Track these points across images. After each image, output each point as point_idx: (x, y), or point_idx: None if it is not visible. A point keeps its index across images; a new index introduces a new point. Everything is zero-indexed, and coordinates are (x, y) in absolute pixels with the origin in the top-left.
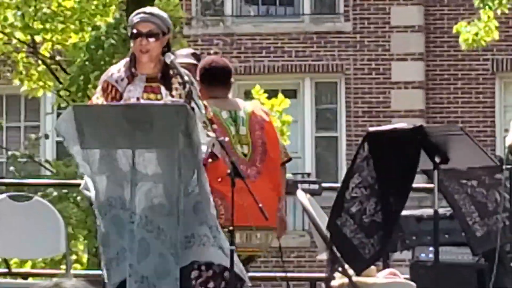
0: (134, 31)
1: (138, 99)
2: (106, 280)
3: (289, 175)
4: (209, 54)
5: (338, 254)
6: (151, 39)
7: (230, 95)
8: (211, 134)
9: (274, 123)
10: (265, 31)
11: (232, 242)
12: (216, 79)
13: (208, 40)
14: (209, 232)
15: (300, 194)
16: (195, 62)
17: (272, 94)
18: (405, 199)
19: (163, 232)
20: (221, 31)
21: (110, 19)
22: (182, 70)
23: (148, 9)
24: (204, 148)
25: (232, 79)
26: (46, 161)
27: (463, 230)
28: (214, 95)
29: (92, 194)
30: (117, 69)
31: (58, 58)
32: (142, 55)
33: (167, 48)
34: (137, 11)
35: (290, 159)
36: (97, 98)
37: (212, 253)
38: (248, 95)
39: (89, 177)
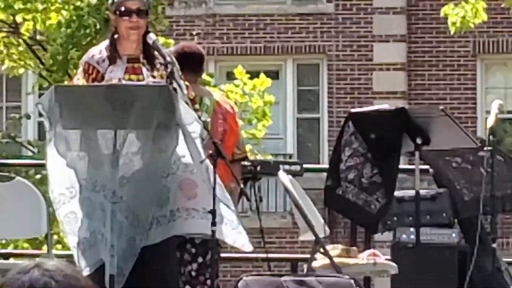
0: (122, 8)
1: (119, 80)
2: (76, 263)
3: (270, 156)
4: (191, 35)
5: (320, 235)
6: (141, 17)
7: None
8: (198, 113)
9: (256, 103)
10: (248, 12)
11: (213, 223)
12: (187, 64)
13: (190, 21)
14: (198, 205)
15: (282, 175)
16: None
17: (254, 75)
18: (397, 165)
19: (137, 217)
20: (203, 12)
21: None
22: (164, 51)
23: None
24: (197, 128)
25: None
26: (28, 142)
27: (450, 194)
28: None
29: (52, 178)
30: (98, 51)
31: (38, 37)
32: (131, 32)
33: (146, 28)
34: None
35: (246, 157)
36: (78, 80)
37: (198, 224)
38: (230, 76)
39: (68, 163)
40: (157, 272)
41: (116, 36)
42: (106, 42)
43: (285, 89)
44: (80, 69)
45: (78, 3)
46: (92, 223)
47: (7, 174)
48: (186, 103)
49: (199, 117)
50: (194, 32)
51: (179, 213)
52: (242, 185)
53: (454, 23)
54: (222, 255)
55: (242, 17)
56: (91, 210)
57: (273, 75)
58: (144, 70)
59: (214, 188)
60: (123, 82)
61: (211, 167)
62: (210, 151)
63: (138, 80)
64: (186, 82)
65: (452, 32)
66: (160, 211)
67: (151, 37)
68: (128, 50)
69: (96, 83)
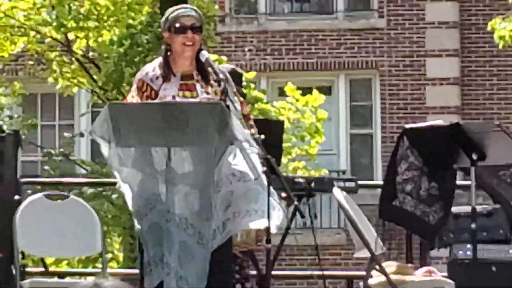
0: (177, 25)
1: (173, 97)
2: (145, 285)
3: (325, 172)
4: (243, 51)
5: (375, 252)
6: (196, 33)
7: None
8: (251, 130)
9: (309, 120)
10: (299, 28)
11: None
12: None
13: (242, 37)
14: (259, 207)
15: (336, 192)
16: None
17: (306, 91)
18: (454, 180)
19: (205, 237)
20: (254, 28)
21: (143, 17)
22: (217, 68)
23: (186, 5)
24: (251, 144)
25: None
26: (82, 162)
27: (507, 214)
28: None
29: (127, 197)
30: (152, 68)
31: (91, 55)
32: (186, 48)
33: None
34: (175, 7)
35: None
36: (132, 97)
37: (256, 220)
38: (282, 93)
39: (122, 178)
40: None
41: (169, 53)
42: (159, 60)
43: (338, 104)
44: (134, 87)
45: (130, 21)
46: (153, 243)
47: (61, 192)
48: (240, 120)
49: (253, 134)
50: (245, 49)
51: (237, 215)
52: (296, 202)
53: (502, 37)
54: (277, 272)
55: (294, 33)
56: (158, 231)
57: (326, 90)
58: (198, 87)
59: (268, 204)
60: (177, 99)
61: (265, 183)
62: (264, 168)
63: (192, 97)
64: (241, 98)
65: (500, 47)
66: (218, 222)
67: (204, 54)
68: (182, 67)
69: (150, 101)
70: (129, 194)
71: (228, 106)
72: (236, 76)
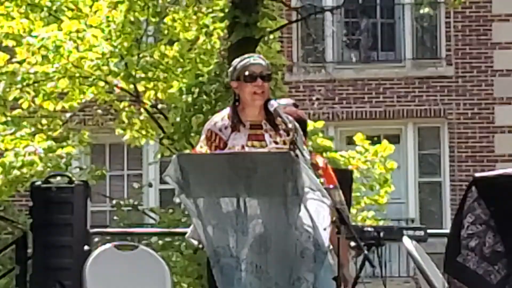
0: (246, 73)
1: (242, 147)
2: None
3: (393, 222)
4: (311, 100)
5: None
6: (265, 80)
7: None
8: (321, 180)
9: (380, 169)
10: (367, 77)
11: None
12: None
13: (310, 86)
14: (312, 277)
15: (406, 240)
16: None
17: (374, 140)
18: None
19: (271, 279)
20: (322, 77)
21: (212, 67)
22: (286, 117)
23: (254, 54)
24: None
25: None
26: (151, 209)
27: None
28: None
29: (204, 243)
30: (221, 117)
31: (160, 106)
32: (256, 97)
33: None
34: (243, 56)
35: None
36: (201, 147)
37: None
38: (350, 141)
39: (197, 226)
40: None
41: (237, 103)
42: (228, 109)
43: (406, 153)
44: (203, 137)
45: (198, 71)
46: None
47: (131, 242)
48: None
49: (322, 183)
50: (313, 98)
51: (298, 281)
52: (366, 251)
53: None
54: None
55: (361, 82)
56: (231, 277)
57: (394, 139)
58: (266, 136)
59: (338, 256)
60: (246, 149)
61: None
62: (334, 218)
63: (261, 147)
64: (310, 148)
65: None
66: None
67: (273, 104)
68: (251, 117)
69: (219, 151)
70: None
71: (297, 156)
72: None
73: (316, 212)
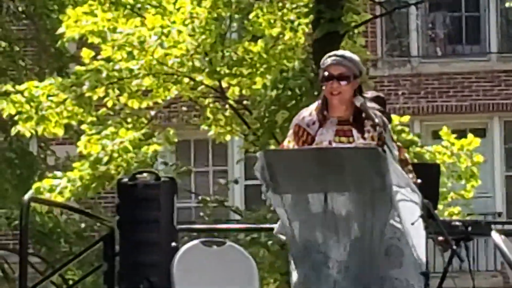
0: (326, 73)
1: (330, 142)
2: None
3: (479, 216)
4: (396, 95)
5: None
6: (342, 82)
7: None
8: (409, 175)
9: (465, 164)
10: (452, 71)
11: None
12: None
13: (395, 81)
14: (402, 275)
15: (494, 235)
16: (379, 107)
17: (460, 134)
18: None
19: (356, 278)
20: (407, 71)
21: (296, 63)
22: (373, 113)
23: (340, 52)
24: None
25: None
26: (237, 208)
27: None
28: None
29: (291, 238)
30: (309, 113)
31: (244, 102)
32: (332, 97)
33: (359, 91)
34: (329, 54)
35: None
36: (289, 142)
37: None
38: (435, 135)
39: (284, 222)
40: None
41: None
42: (316, 104)
43: (492, 147)
44: (291, 132)
45: (283, 66)
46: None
47: (218, 239)
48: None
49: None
50: (399, 92)
51: (382, 280)
52: (454, 246)
53: None
54: None
55: (447, 76)
56: (319, 273)
57: (479, 133)
58: (354, 132)
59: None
60: (333, 144)
61: (422, 231)
62: (422, 212)
63: (349, 143)
64: (399, 143)
65: None
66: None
67: (359, 99)
68: (338, 112)
69: (306, 146)
70: (287, 240)
71: (384, 151)
72: (380, 99)
73: (404, 207)
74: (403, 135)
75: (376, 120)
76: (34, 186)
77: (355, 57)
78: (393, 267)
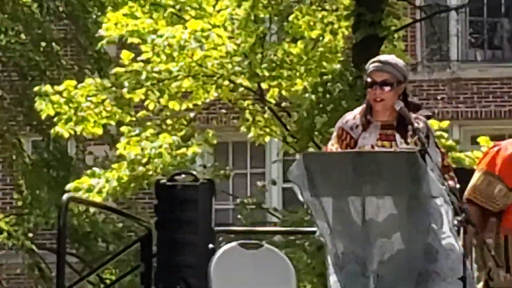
0: (369, 79)
1: (372, 146)
2: None
3: None
4: (435, 99)
5: None
6: (386, 88)
7: None
8: (450, 182)
9: None
10: (492, 76)
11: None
12: None
13: (434, 85)
14: (438, 268)
15: None
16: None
17: (499, 139)
18: None
19: None
20: (447, 76)
21: (336, 66)
22: (413, 117)
23: (384, 57)
24: (443, 201)
25: None
26: (274, 209)
27: None
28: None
29: (328, 245)
30: (352, 116)
31: (284, 104)
32: (376, 103)
33: (403, 96)
34: (373, 59)
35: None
36: (332, 145)
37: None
38: (474, 141)
39: (322, 227)
40: None
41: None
42: (360, 107)
43: None
44: (334, 134)
45: (322, 70)
46: None
47: (255, 241)
48: (440, 171)
49: (450, 186)
50: (438, 97)
51: (421, 277)
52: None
53: None
54: None
55: (486, 81)
56: (356, 284)
57: None
58: (397, 136)
59: (464, 259)
60: (376, 149)
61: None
62: (459, 218)
63: (391, 147)
64: (442, 150)
65: None
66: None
67: (399, 103)
68: (382, 117)
69: (345, 150)
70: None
71: (424, 156)
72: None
73: (439, 213)
74: (442, 140)
75: (415, 125)
76: (73, 185)
77: (400, 62)
78: (429, 262)
